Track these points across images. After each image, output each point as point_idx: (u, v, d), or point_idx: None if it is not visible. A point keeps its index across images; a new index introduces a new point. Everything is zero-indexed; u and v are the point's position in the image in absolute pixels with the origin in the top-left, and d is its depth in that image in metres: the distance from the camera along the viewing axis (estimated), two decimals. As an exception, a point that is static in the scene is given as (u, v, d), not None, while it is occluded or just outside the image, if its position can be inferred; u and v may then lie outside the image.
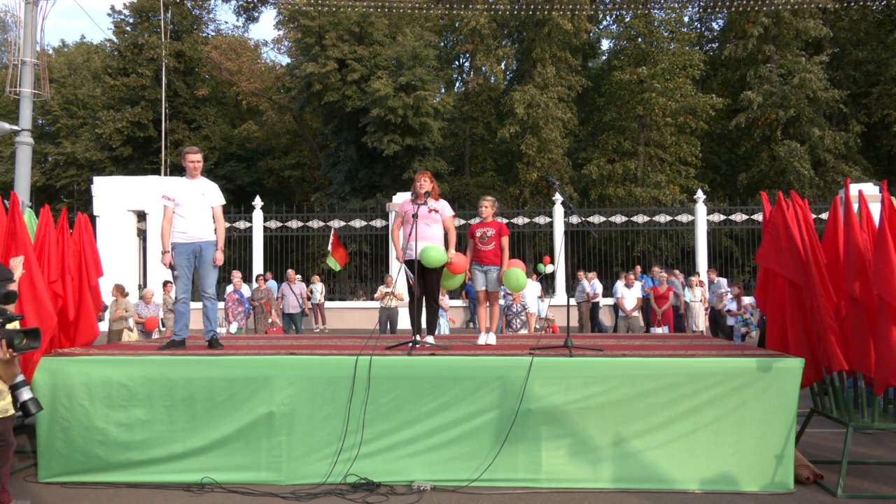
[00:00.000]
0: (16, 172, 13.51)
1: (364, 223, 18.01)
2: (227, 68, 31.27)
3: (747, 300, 10.66)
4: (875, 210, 5.12)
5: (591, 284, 13.90)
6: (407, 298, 11.17)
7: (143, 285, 16.00)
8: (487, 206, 6.22)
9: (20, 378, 4.00)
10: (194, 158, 5.82)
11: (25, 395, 3.99)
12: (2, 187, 28.36)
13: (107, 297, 10.70)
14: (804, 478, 4.90)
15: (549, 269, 15.55)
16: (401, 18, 27.90)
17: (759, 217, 16.33)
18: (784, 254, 5.30)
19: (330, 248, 15.49)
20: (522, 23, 26.95)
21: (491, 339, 6.12)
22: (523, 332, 10.77)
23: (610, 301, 16.03)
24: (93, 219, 14.64)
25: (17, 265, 4.40)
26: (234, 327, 12.31)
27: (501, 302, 11.35)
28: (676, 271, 14.09)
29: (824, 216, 15.04)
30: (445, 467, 4.84)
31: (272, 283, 14.20)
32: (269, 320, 12.89)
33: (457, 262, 6.06)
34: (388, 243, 17.38)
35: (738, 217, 17.42)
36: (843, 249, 5.06)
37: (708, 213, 17.42)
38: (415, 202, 5.92)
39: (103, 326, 8.72)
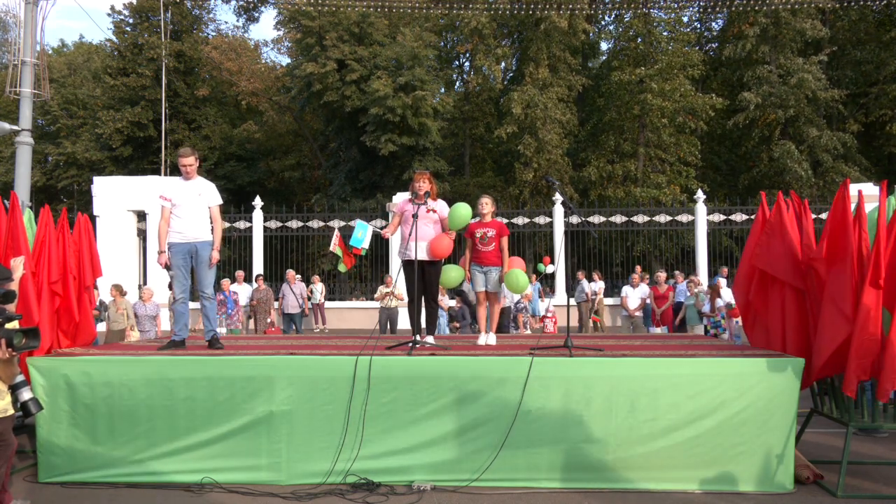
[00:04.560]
0: (16, 172, 13.51)
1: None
2: (227, 68, 31.27)
3: (720, 302, 10.66)
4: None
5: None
6: (407, 298, 11.19)
7: (143, 285, 15.97)
8: (488, 204, 6.21)
9: (20, 378, 3.99)
10: (185, 163, 5.78)
11: (26, 395, 3.98)
12: (2, 187, 28.35)
13: (106, 297, 10.73)
14: (804, 478, 4.90)
15: (549, 269, 15.54)
16: (400, 19, 27.90)
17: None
18: (783, 256, 5.29)
19: (338, 249, 15.38)
20: (522, 22, 26.96)
21: (491, 339, 6.12)
22: (528, 330, 10.95)
23: (611, 301, 16.05)
24: (93, 219, 14.62)
25: (17, 265, 4.40)
26: (222, 330, 12.21)
27: (508, 303, 11.41)
28: (677, 272, 14.08)
29: (824, 216, 15.01)
30: (445, 467, 4.84)
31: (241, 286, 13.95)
32: (268, 320, 12.85)
33: (437, 243, 5.86)
34: (388, 243, 17.37)
35: (738, 217, 17.42)
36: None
37: (708, 213, 17.43)
38: (414, 202, 5.92)
39: (101, 327, 8.72)
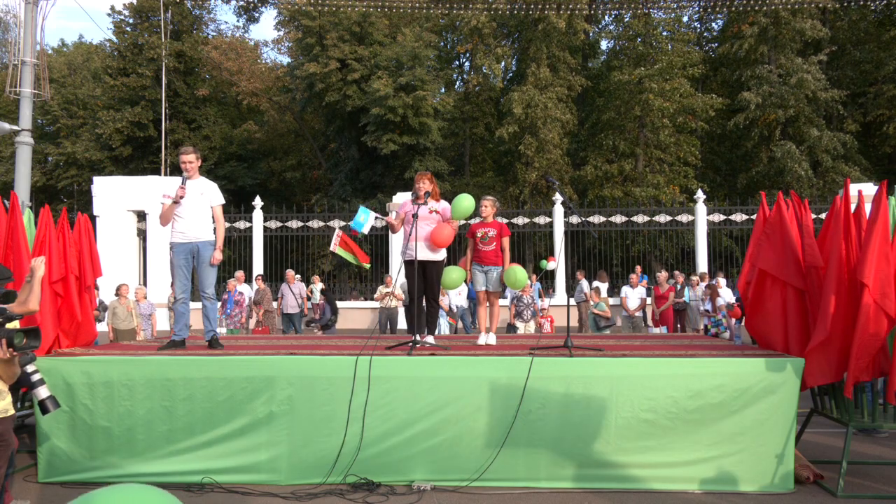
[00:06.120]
0: (16, 172, 13.51)
1: (364, 223, 17.99)
2: (227, 68, 31.27)
3: (721, 301, 10.68)
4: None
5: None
6: (406, 299, 11.21)
7: (143, 285, 15.98)
8: (488, 205, 6.22)
9: (38, 376, 3.96)
10: (186, 159, 5.77)
11: (43, 393, 3.95)
12: (2, 187, 28.35)
13: (106, 297, 10.72)
14: (804, 478, 4.90)
15: (550, 265, 15.53)
16: (401, 18, 27.90)
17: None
18: (783, 256, 5.29)
19: (338, 249, 15.23)
20: (521, 22, 26.98)
21: (491, 339, 6.12)
22: (532, 324, 10.95)
23: (611, 301, 16.03)
24: (93, 219, 14.63)
25: (38, 265, 4.32)
26: (222, 330, 12.20)
27: (510, 294, 11.51)
28: (677, 272, 14.09)
29: (824, 216, 15.01)
30: (445, 467, 4.84)
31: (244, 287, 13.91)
32: (256, 319, 12.76)
33: (438, 232, 5.85)
34: (388, 243, 17.38)
35: (738, 217, 17.42)
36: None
37: (708, 213, 17.43)
38: (415, 202, 5.92)
39: (100, 327, 8.71)
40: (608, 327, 11.16)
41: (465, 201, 5.91)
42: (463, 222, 16.82)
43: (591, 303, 11.21)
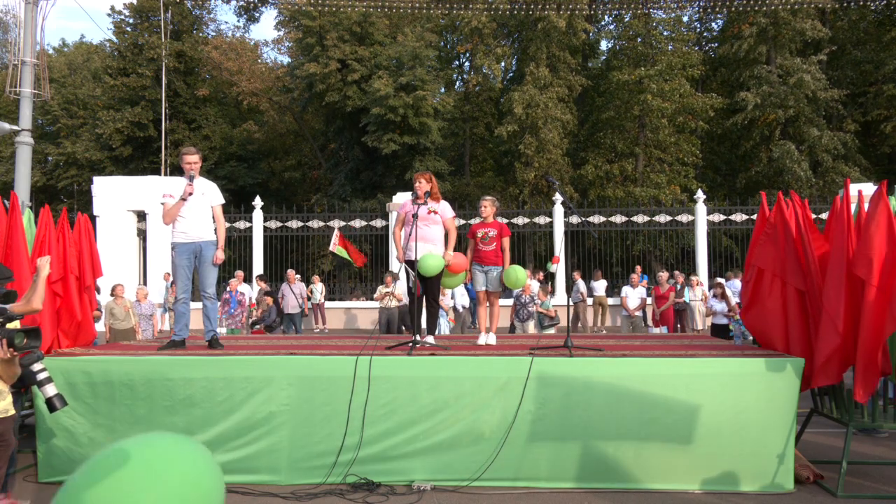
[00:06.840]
0: (16, 172, 13.50)
1: (364, 223, 18.02)
2: (227, 68, 31.26)
3: (735, 299, 10.64)
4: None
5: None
6: (406, 300, 11.19)
7: (143, 285, 15.97)
8: (488, 205, 6.23)
9: (45, 374, 3.95)
10: (190, 160, 5.77)
11: (50, 391, 3.94)
12: (2, 187, 28.34)
13: (106, 297, 10.72)
14: (804, 478, 4.90)
15: (552, 268, 15.56)
16: (401, 19, 27.89)
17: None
18: (784, 256, 5.28)
19: (338, 249, 15.25)
20: (521, 22, 26.97)
21: (491, 339, 6.12)
22: (530, 323, 10.93)
23: (611, 301, 16.06)
24: (93, 219, 14.61)
25: (43, 265, 4.32)
26: (222, 330, 12.15)
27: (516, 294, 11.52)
28: (677, 272, 14.08)
29: (824, 216, 15.01)
30: (445, 467, 4.84)
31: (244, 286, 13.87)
32: (252, 319, 12.73)
33: (455, 262, 6.02)
34: (388, 243, 17.39)
35: (738, 217, 17.42)
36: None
37: (708, 213, 17.42)
38: (415, 202, 5.92)
39: (98, 327, 8.70)
40: (552, 326, 11.17)
41: (431, 261, 5.72)
42: (463, 222, 16.76)
43: (538, 301, 11.16)
